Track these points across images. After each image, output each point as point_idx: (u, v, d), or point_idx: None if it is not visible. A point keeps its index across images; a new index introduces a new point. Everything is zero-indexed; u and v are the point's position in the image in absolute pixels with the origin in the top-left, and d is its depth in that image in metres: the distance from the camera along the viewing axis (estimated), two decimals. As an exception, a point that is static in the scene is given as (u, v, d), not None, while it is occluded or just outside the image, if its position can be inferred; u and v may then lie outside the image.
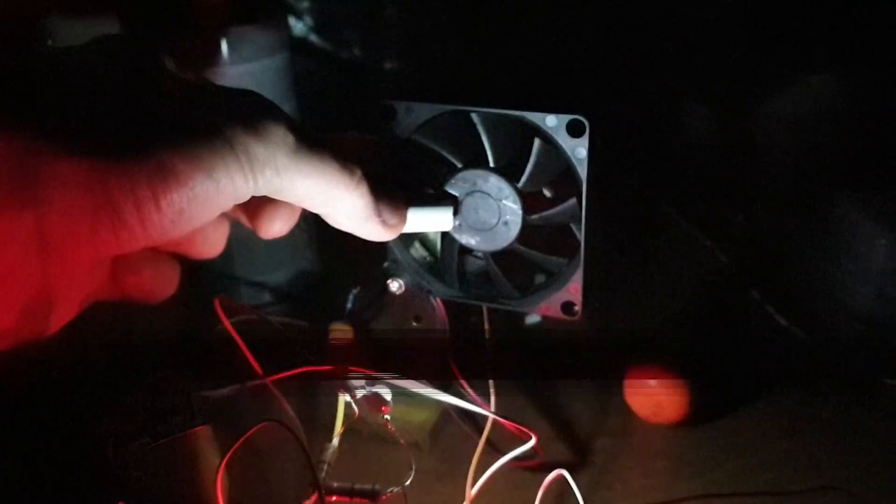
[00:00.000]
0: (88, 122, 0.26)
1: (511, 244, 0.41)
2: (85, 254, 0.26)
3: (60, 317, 0.27)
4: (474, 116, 0.41)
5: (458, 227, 0.42)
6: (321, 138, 0.31)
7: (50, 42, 0.51)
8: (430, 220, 0.39)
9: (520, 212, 0.41)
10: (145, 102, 0.28)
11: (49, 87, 0.27)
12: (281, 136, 0.29)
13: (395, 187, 0.36)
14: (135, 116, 0.27)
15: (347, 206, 0.32)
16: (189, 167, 0.26)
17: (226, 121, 0.28)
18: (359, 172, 0.32)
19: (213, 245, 0.33)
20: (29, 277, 0.25)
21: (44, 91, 0.27)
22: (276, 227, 0.33)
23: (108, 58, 0.29)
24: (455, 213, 0.40)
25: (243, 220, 0.34)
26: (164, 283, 0.31)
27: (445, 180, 0.41)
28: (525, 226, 0.41)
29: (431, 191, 0.42)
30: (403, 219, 0.36)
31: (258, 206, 0.33)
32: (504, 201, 0.41)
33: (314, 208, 0.32)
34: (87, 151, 0.25)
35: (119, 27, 0.53)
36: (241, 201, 0.29)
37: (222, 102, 0.30)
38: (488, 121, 0.41)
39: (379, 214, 0.34)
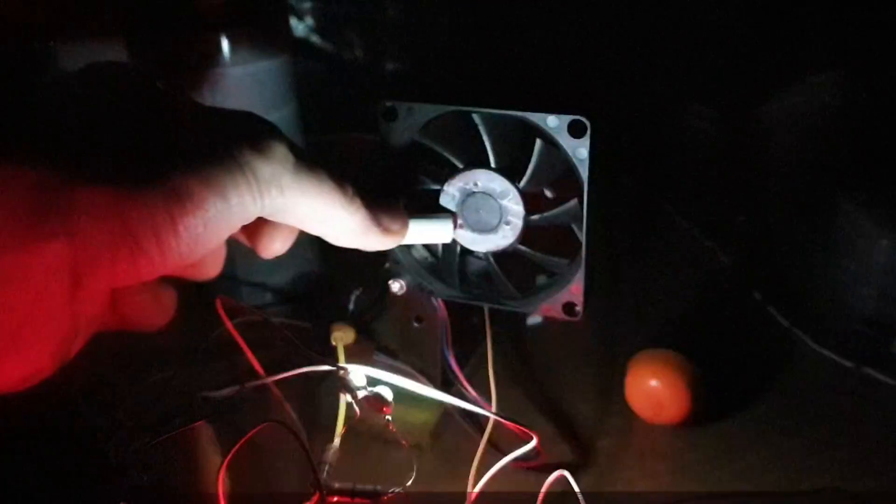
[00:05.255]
0: (102, 150, 0.26)
1: (512, 245, 0.41)
2: (104, 284, 0.26)
3: (77, 348, 0.27)
4: (476, 117, 0.41)
5: (459, 228, 0.42)
6: (315, 157, 0.31)
7: (51, 60, 0.51)
8: (430, 232, 0.40)
9: (521, 212, 0.41)
10: (154, 128, 0.28)
11: (60, 117, 0.27)
12: (283, 156, 0.29)
13: (392, 195, 0.36)
14: (145, 142, 0.27)
15: (345, 223, 0.33)
16: (203, 189, 0.26)
17: (233, 142, 0.28)
18: (350, 189, 0.32)
19: (212, 267, 0.33)
20: (60, 311, 0.25)
21: (56, 121, 0.27)
22: (276, 246, 0.34)
23: (111, 85, 0.29)
24: (455, 226, 0.41)
25: (243, 240, 0.34)
26: (162, 311, 0.31)
27: (447, 181, 0.41)
28: (526, 226, 0.41)
29: (431, 195, 0.42)
30: (405, 224, 0.37)
31: (258, 226, 0.33)
32: (505, 202, 0.41)
33: (313, 229, 0.33)
34: (105, 180, 0.24)
35: (123, 37, 0.53)
36: (248, 222, 0.29)
37: (227, 124, 0.30)
38: (490, 121, 0.41)
39: (378, 224, 0.34)
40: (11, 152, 0.24)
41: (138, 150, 0.26)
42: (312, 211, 0.31)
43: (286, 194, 0.29)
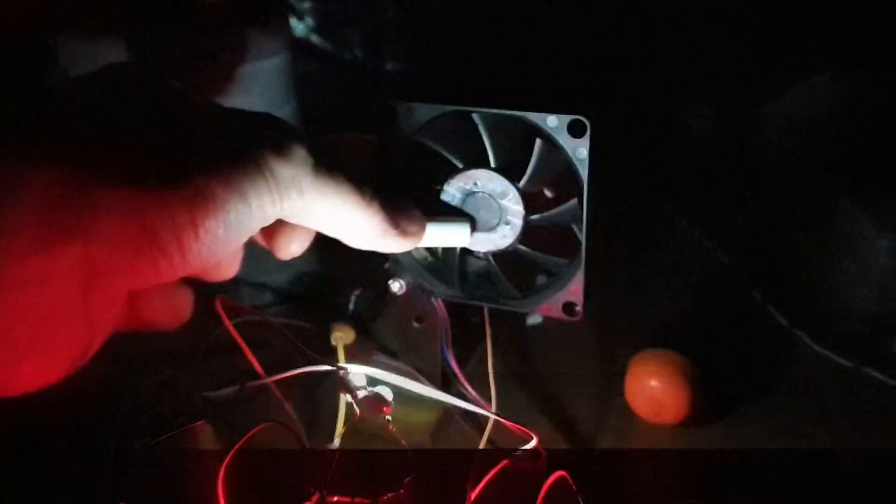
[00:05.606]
0: (121, 151, 0.26)
1: (512, 245, 0.41)
2: (123, 285, 0.26)
3: (94, 349, 0.27)
4: (475, 117, 0.41)
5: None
6: (333, 159, 0.31)
7: (60, 64, 0.51)
8: (447, 235, 0.40)
9: (521, 212, 0.41)
10: (174, 129, 0.28)
11: (78, 118, 0.27)
12: (303, 158, 0.29)
13: (408, 199, 0.36)
14: (166, 143, 0.27)
15: (362, 226, 0.33)
16: (224, 191, 0.26)
17: (254, 144, 0.28)
18: (369, 192, 0.32)
19: (229, 268, 0.33)
20: (79, 313, 0.24)
21: (74, 122, 0.27)
22: (293, 248, 0.34)
23: (129, 86, 0.29)
24: (473, 230, 0.41)
25: (260, 241, 0.34)
26: (179, 312, 0.31)
27: (447, 181, 0.41)
28: (526, 226, 0.41)
29: (434, 196, 0.42)
30: (423, 227, 0.37)
31: (275, 227, 0.33)
32: (505, 202, 0.41)
33: (331, 231, 0.32)
34: (125, 181, 0.24)
35: (123, 37, 0.53)
36: (267, 224, 0.29)
37: (247, 126, 0.30)
38: (489, 121, 0.41)
39: (396, 227, 0.34)
40: (28, 154, 0.24)
41: (159, 152, 0.26)
42: (331, 213, 0.31)
43: (305, 197, 0.29)
